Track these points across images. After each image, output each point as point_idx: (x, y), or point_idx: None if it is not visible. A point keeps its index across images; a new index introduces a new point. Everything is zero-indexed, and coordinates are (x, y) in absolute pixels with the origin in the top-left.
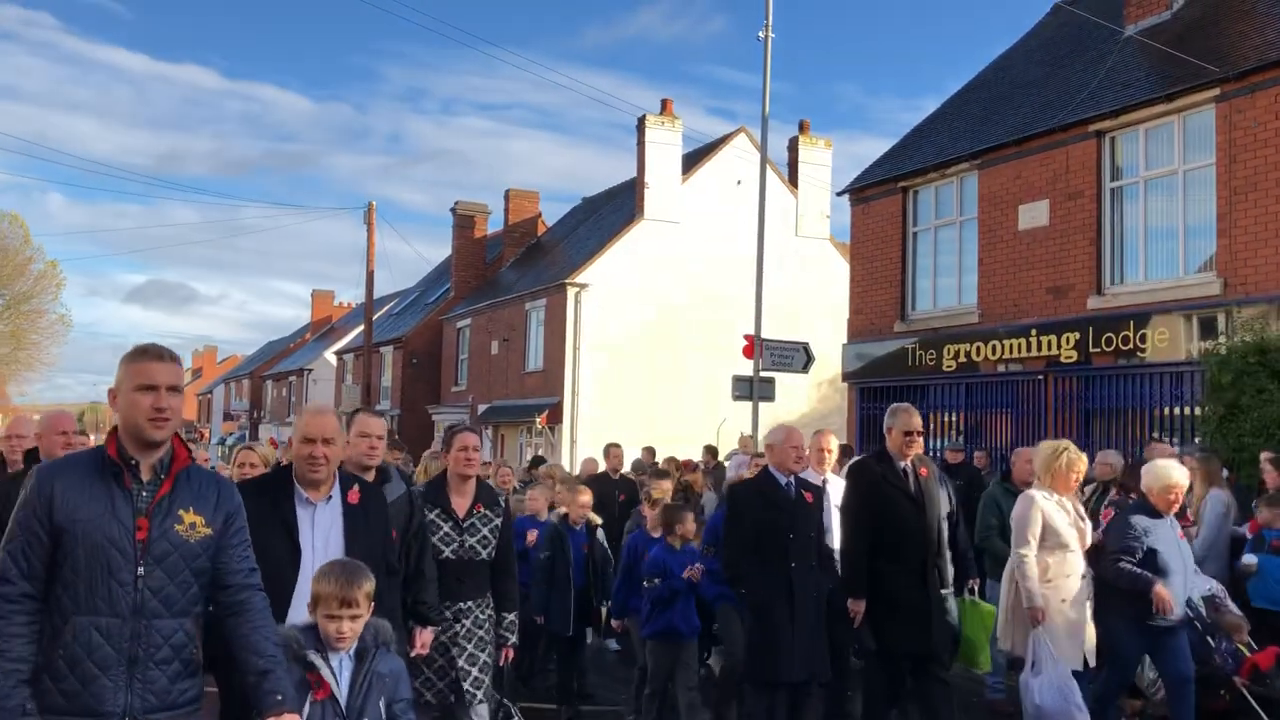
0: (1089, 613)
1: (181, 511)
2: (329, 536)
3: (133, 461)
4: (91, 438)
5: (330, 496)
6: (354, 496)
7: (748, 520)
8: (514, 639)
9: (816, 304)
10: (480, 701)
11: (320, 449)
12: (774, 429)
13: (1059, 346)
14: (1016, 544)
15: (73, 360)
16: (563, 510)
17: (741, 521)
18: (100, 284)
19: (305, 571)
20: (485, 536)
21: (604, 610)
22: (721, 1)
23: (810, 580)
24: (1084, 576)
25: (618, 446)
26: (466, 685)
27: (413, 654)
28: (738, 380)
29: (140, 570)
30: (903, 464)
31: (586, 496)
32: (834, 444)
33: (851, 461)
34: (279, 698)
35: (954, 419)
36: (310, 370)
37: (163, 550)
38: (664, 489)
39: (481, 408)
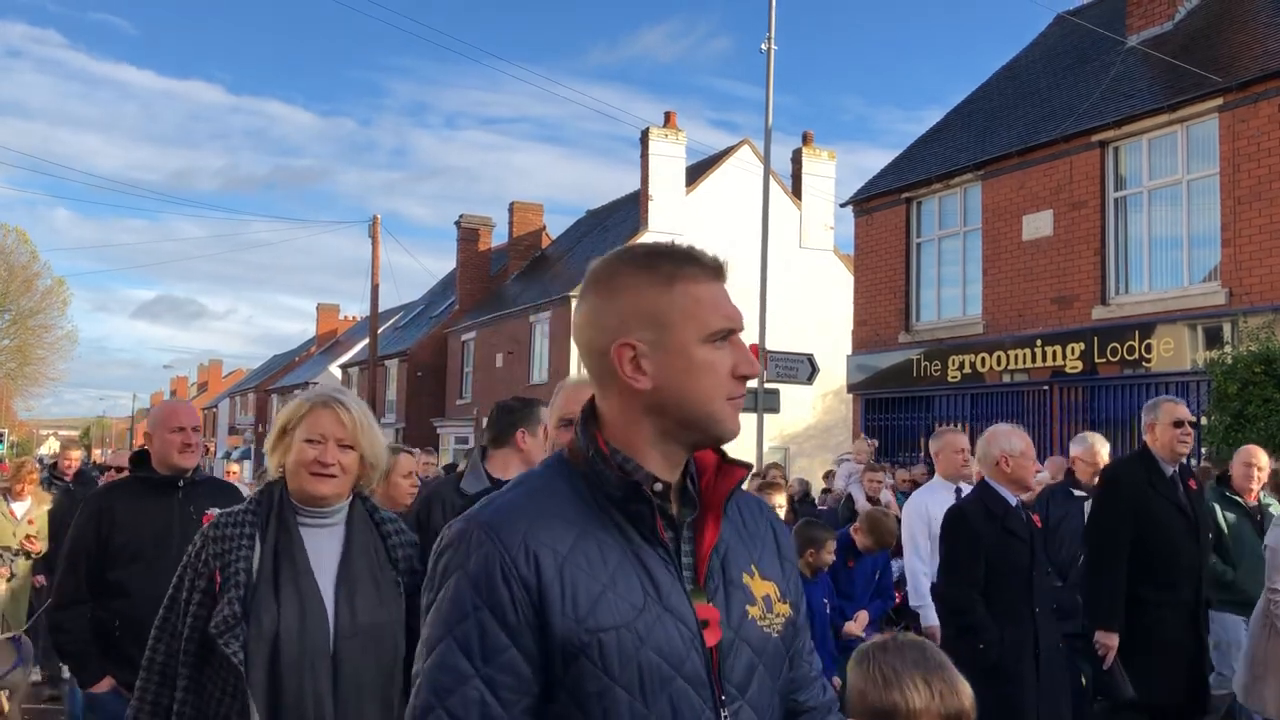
0: None
1: (746, 577)
2: None
3: (657, 486)
4: (76, 453)
5: None
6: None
7: (979, 552)
8: None
9: (821, 315)
10: None
11: None
12: (1002, 433)
13: (1064, 357)
14: (1273, 578)
15: (80, 375)
16: None
17: (974, 552)
18: (109, 299)
19: None
20: None
21: None
22: (725, 21)
23: (1055, 631)
24: None
25: None
26: None
27: None
28: None
29: (725, 714)
30: (1171, 470)
31: None
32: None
33: (1108, 464)
34: None
35: (960, 430)
36: (315, 384)
37: (746, 666)
38: (778, 504)
39: (485, 420)
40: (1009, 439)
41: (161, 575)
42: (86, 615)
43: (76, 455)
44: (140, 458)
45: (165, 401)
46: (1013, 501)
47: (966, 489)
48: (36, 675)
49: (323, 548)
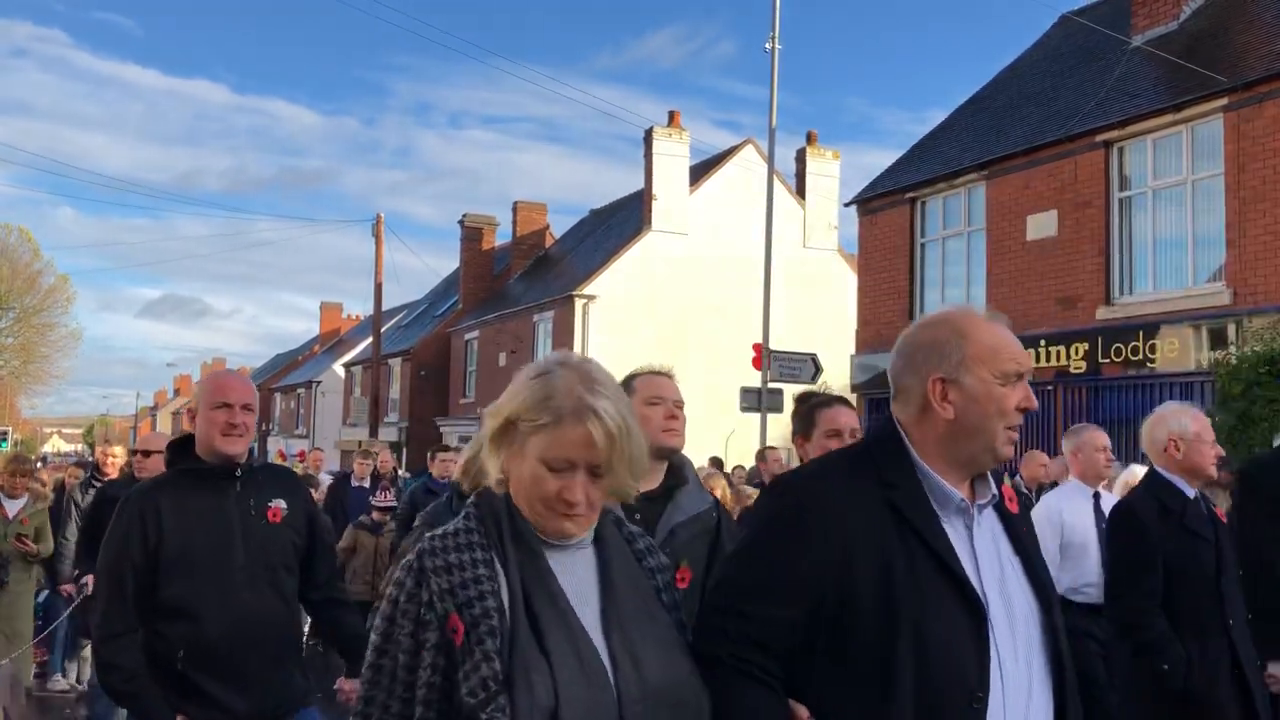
0: None
1: None
2: (1005, 585)
3: None
4: (119, 449)
5: (989, 498)
6: (1012, 499)
7: (1155, 555)
8: None
9: (824, 315)
10: None
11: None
12: (1170, 413)
13: (1068, 357)
14: None
15: (84, 373)
16: None
17: (1148, 556)
18: (114, 298)
19: (997, 661)
20: None
21: None
22: (730, 25)
23: (1252, 648)
24: None
25: None
26: None
27: None
28: (746, 392)
29: None
30: None
31: None
32: None
33: (1249, 462)
34: None
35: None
36: (319, 382)
37: None
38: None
39: None
40: (1179, 419)
41: (229, 588)
42: (138, 646)
43: (121, 452)
44: (182, 445)
45: (213, 373)
46: (1190, 493)
47: (1107, 496)
48: (62, 684)
49: (576, 578)
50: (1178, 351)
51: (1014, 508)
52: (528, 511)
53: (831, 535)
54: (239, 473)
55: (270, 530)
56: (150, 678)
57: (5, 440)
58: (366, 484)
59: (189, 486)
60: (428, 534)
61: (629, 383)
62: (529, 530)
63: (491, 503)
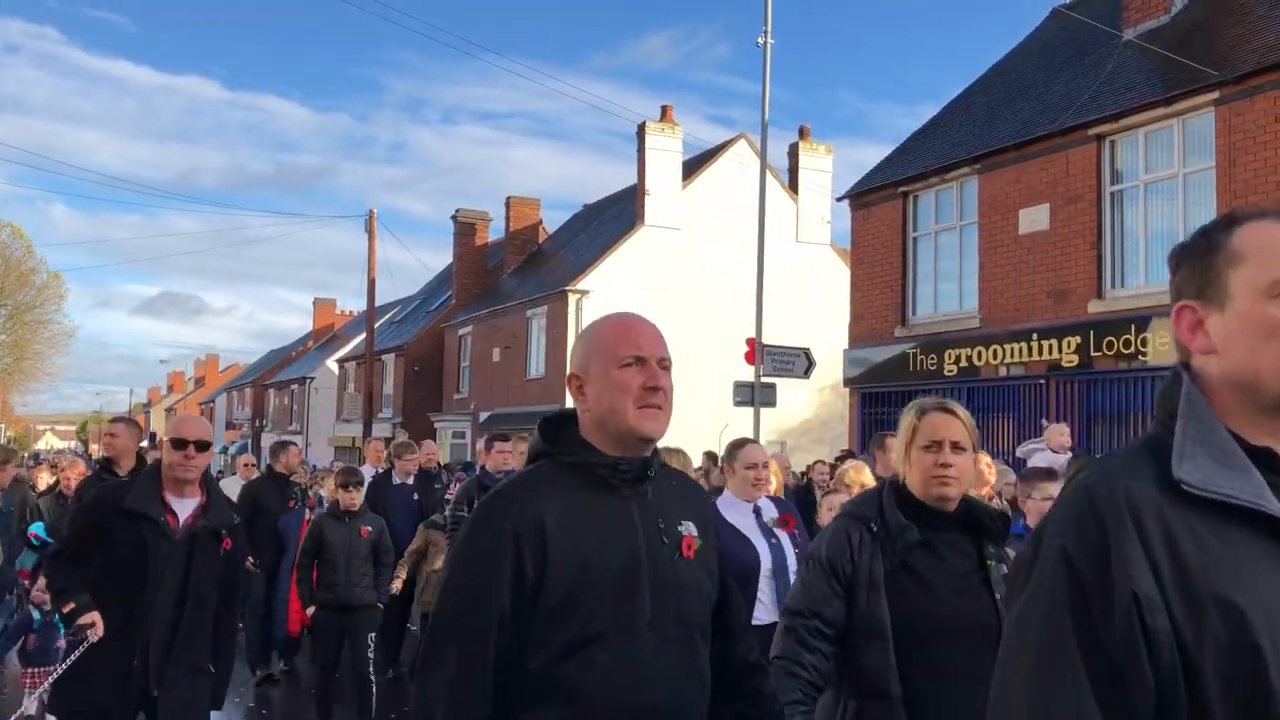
0: None
1: None
2: None
3: None
4: (95, 448)
5: None
6: None
7: None
8: None
9: (817, 310)
10: None
11: None
12: None
13: (1060, 350)
14: None
15: (78, 370)
16: None
17: None
18: (109, 295)
19: None
20: None
21: None
22: (726, 27)
23: None
24: None
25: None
26: None
27: None
28: (739, 386)
29: None
30: None
31: None
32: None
33: None
34: None
35: None
36: (312, 379)
37: None
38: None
39: (483, 415)
40: None
41: (635, 657)
42: None
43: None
44: (563, 427)
45: (606, 318)
46: None
47: None
48: None
49: None
50: (1169, 345)
51: None
52: None
53: None
54: (651, 472)
55: (685, 571)
56: None
57: None
58: (410, 481)
59: (578, 491)
60: None
61: None
62: None
63: None
